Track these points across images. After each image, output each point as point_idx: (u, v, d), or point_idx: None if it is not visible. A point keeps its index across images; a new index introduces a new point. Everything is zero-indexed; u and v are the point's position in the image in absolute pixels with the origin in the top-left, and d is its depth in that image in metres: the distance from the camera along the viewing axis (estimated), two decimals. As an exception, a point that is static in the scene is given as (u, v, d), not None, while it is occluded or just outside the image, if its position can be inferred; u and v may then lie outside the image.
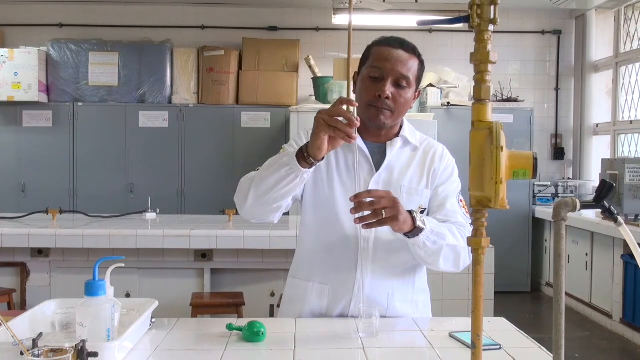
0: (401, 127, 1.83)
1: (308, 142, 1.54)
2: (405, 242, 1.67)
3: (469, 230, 1.74)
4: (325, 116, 1.48)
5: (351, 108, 1.52)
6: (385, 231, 1.71)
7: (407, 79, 1.70)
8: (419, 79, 1.76)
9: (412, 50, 1.74)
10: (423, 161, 1.82)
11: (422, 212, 1.76)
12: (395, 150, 1.79)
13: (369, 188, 1.73)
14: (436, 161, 1.82)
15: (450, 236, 1.68)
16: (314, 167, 1.57)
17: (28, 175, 5.98)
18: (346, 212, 1.67)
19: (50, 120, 5.98)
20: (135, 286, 3.46)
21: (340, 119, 1.47)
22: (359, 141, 1.75)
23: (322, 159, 1.56)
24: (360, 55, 1.81)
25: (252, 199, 1.64)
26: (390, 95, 1.69)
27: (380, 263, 1.75)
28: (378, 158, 1.79)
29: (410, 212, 1.60)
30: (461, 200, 1.82)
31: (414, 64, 1.72)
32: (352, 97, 1.77)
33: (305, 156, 1.53)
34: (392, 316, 1.77)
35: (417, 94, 1.77)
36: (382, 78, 1.70)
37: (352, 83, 1.75)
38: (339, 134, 1.47)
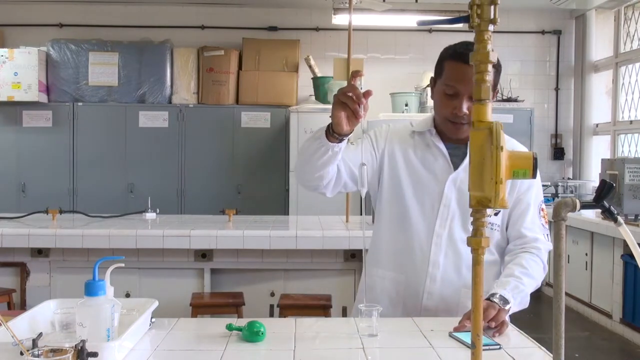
0: None
1: None
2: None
3: (545, 248, 1.80)
4: (339, 94, 1.52)
5: (359, 80, 1.53)
6: (458, 229, 1.76)
7: None
8: (495, 83, 1.74)
9: None
10: None
11: (495, 215, 1.79)
12: None
13: (446, 187, 1.77)
14: None
15: (530, 284, 1.74)
16: (343, 143, 1.60)
17: (28, 175, 5.98)
18: (418, 208, 1.76)
19: (50, 120, 5.98)
20: (135, 286, 3.46)
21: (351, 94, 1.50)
22: (438, 143, 1.82)
23: (350, 133, 1.57)
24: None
25: (298, 164, 1.75)
26: (467, 111, 1.69)
27: (452, 259, 1.78)
28: (457, 158, 1.80)
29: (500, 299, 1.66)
30: (542, 210, 1.82)
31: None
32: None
33: (331, 132, 1.56)
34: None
35: (494, 93, 1.75)
36: (457, 96, 1.70)
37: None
38: (347, 111, 1.51)
